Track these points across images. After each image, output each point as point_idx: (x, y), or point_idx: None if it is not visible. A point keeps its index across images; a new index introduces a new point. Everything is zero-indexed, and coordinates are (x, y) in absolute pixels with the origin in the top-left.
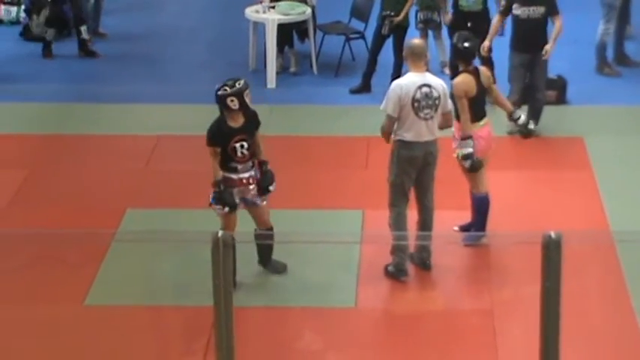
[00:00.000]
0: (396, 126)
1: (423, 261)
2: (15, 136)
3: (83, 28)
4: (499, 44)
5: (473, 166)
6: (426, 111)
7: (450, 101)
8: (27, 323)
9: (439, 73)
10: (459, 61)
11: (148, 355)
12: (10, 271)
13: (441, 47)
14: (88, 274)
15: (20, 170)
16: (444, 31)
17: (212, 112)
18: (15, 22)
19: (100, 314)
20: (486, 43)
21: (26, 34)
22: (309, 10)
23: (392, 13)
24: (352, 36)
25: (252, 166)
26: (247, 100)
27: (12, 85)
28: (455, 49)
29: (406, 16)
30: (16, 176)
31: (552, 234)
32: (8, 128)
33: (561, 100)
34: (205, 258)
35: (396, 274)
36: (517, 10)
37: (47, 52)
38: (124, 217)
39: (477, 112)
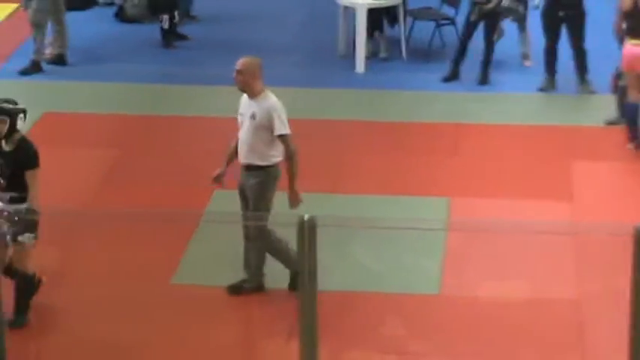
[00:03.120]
0: None
1: None
2: (108, 116)
3: (165, 17)
4: None
5: None
6: None
7: None
8: (115, 300)
9: (519, 67)
10: None
11: (232, 336)
12: (101, 248)
13: (525, 39)
14: (176, 254)
15: (112, 150)
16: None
17: (299, 95)
18: (110, 3)
19: (186, 293)
20: None
21: (121, 15)
22: None
23: (482, 0)
24: (443, 22)
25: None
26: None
27: (106, 65)
28: None
29: (498, 3)
30: (109, 156)
31: None
32: (102, 108)
33: None
34: (291, 240)
35: None
36: None
37: (166, 41)
38: (212, 197)
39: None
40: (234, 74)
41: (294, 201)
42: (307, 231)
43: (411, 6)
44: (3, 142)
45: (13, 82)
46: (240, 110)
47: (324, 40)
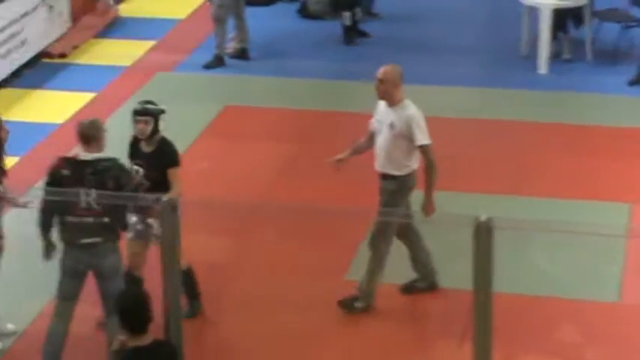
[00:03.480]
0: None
1: None
2: (288, 111)
3: (347, 14)
4: None
5: None
6: None
7: None
8: (289, 293)
9: None
10: None
11: (405, 334)
12: (276, 242)
13: None
14: (350, 249)
15: (291, 144)
16: None
17: (479, 94)
18: None
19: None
20: None
21: (303, 11)
22: None
23: None
24: (630, 24)
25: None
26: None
27: (287, 61)
28: None
29: None
30: (287, 150)
31: None
32: (282, 103)
33: None
34: (465, 241)
35: None
36: None
37: (347, 38)
38: None
39: None
40: (376, 83)
41: (429, 211)
42: (484, 233)
43: (598, 7)
44: (143, 143)
45: (197, 75)
46: (377, 117)
47: (506, 40)
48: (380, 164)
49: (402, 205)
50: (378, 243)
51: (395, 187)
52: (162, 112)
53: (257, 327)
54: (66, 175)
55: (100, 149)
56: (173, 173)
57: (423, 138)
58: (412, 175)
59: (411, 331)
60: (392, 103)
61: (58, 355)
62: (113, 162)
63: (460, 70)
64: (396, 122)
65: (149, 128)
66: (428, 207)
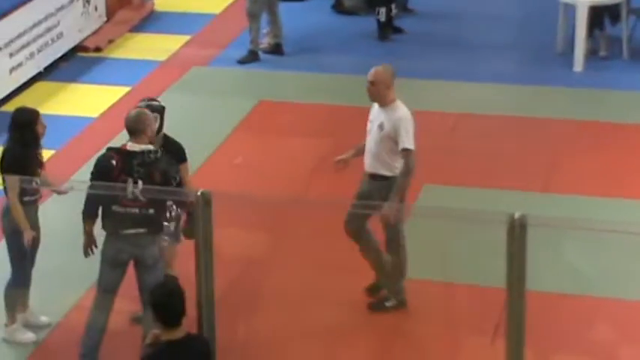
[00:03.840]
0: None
1: None
2: (322, 106)
3: (382, 10)
4: None
5: None
6: None
7: None
8: (323, 288)
9: None
10: None
11: (437, 330)
12: (309, 237)
13: None
14: (383, 245)
15: (325, 139)
16: None
17: (514, 91)
18: None
19: None
20: None
21: (338, 7)
22: None
23: None
24: None
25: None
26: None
27: (322, 56)
28: None
29: None
30: (320, 145)
31: None
32: (316, 98)
33: None
34: (499, 239)
35: None
36: None
37: (382, 34)
38: (421, 192)
39: None
40: (367, 85)
41: (390, 214)
42: (517, 230)
43: (634, 4)
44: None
45: (232, 70)
46: (371, 117)
47: (542, 37)
48: (369, 165)
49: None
50: (396, 246)
51: (388, 189)
52: (164, 108)
53: (289, 322)
54: (114, 165)
55: (148, 141)
56: (183, 168)
57: (407, 142)
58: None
59: (443, 327)
60: (383, 104)
61: (96, 347)
62: (162, 155)
63: (496, 67)
64: (385, 123)
65: (156, 125)
66: (389, 210)
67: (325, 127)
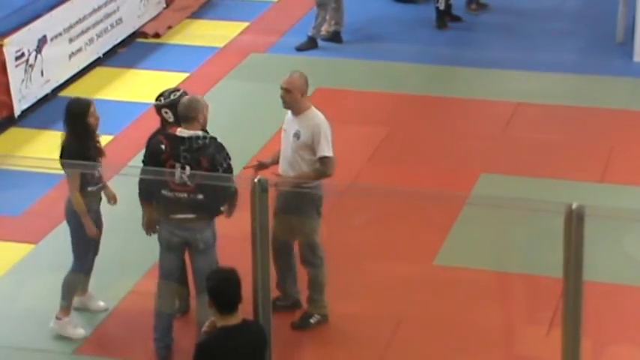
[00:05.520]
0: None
1: None
2: (379, 94)
3: None
4: None
5: None
6: None
7: None
8: (378, 276)
9: None
10: None
11: (493, 319)
12: (366, 224)
13: None
14: (440, 235)
15: (382, 127)
16: None
17: (573, 81)
18: None
19: (448, 275)
20: None
21: None
22: None
23: None
24: None
25: None
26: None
27: (379, 44)
28: None
29: None
30: (378, 133)
31: None
32: (373, 86)
33: None
34: (556, 229)
35: None
36: None
37: (440, 22)
38: (478, 181)
39: None
40: (282, 93)
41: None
42: (575, 220)
43: None
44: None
45: (289, 57)
46: (284, 126)
47: (601, 26)
48: (284, 171)
49: (314, 215)
50: (312, 258)
51: (304, 198)
52: (174, 105)
53: (344, 311)
54: (162, 150)
55: (199, 127)
56: None
57: (327, 149)
58: (319, 185)
59: (500, 316)
60: (298, 111)
61: (168, 330)
62: (210, 141)
63: (555, 56)
64: (302, 131)
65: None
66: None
67: (383, 115)
